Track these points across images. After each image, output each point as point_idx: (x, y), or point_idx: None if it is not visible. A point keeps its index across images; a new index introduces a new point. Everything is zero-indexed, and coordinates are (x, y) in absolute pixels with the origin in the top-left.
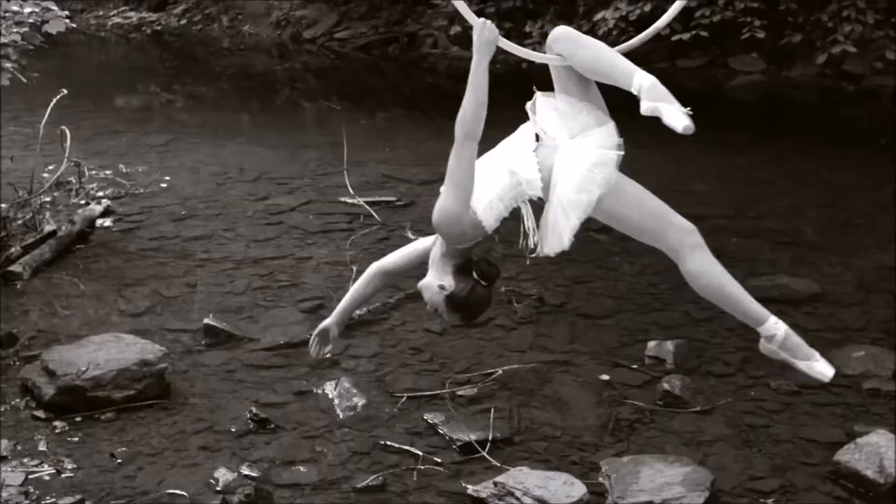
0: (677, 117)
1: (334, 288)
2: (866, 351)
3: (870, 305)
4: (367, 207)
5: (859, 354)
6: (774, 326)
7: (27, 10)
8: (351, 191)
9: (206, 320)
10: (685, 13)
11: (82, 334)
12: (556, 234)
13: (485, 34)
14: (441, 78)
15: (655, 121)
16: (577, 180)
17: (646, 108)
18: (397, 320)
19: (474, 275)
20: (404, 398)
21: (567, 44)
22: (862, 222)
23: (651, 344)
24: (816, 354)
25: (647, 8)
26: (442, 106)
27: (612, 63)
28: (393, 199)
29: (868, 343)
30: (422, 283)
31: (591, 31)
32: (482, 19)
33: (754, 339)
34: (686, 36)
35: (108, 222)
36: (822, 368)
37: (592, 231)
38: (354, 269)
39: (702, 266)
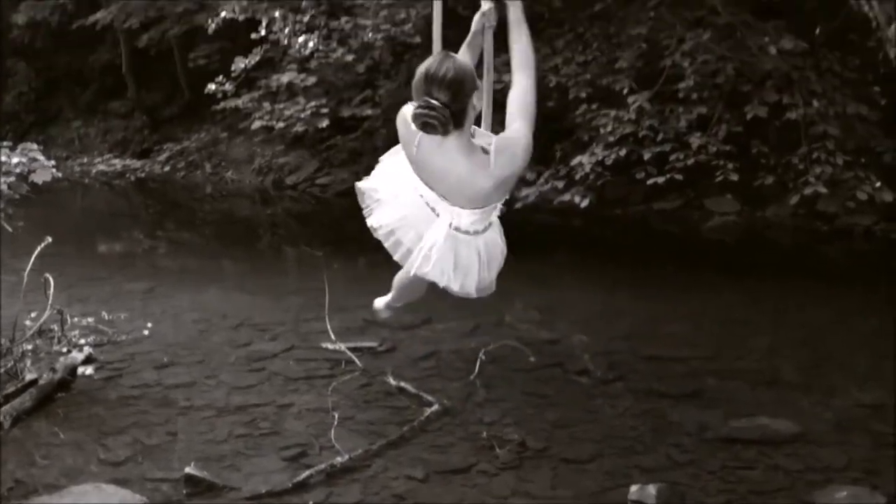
0: None
1: (316, 435)
2: (848, 491)
3: (850, 445)
4: (349, 353)
5: (842, 495)
6: None
7: (14, 160)
8: (333, 336)
9: (187, 469)
10: (660, 157)
11: (61, 484)
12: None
13: None
14: None
15: (633, 265)
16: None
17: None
18: (380, 467)
19: None
20: None
21: None
22: (840, 360)
23: (633, 488)
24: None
25: (623, 153)
26: None
27: None
28: (374, 344)
29: (849, 483)
30: None
31: (569, 175)
32: None
33: (736, 482)
34: (661, 179)
35: (89, 370)
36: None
37: (574, 374)
38: (336, 415)
39: None
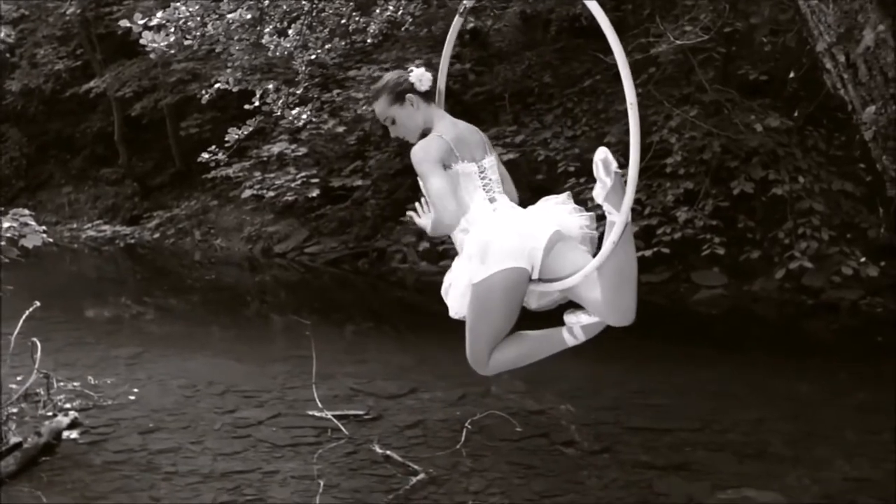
0: None
1: (301, 503)
2: None
3: None
4: (335, 421)
5: None
6: (574, 335)
7: (6, 224)
8: (319, 404)
9: None
10: (647, 230)
11: None
12: None
13: None
14: (409, 292)
15: (620, 336)
16: None
17: None
18: None
19: None
20: None
21: None
22: (827, 434)
23: None
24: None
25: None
26: (410, 320)
27: None
28: (361, 412)
29: None
30: None
31: None
32: None
33: None
34: (648, 252)
35: (74, 434)
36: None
37: (560, 445)
38: (321, 483)
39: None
